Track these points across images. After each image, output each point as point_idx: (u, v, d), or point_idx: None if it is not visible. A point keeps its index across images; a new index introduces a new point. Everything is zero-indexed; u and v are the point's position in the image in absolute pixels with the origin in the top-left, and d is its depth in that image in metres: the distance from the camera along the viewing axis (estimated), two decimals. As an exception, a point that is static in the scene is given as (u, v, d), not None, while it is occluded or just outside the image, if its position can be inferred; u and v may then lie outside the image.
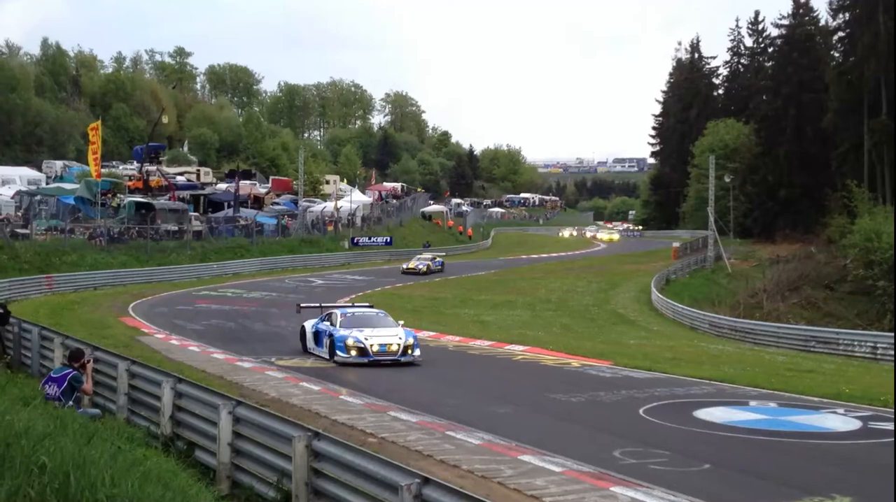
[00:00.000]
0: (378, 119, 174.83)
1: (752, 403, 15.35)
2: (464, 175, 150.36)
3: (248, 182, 75.74)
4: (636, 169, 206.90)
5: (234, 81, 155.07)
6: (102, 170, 56.21)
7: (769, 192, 75.30)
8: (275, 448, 9.26)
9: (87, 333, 21.13)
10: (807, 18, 78.77)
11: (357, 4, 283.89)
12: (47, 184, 63.40)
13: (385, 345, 19.77)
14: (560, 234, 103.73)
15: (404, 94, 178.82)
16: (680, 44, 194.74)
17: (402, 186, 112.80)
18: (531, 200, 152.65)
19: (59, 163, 76.04)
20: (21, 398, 11.92)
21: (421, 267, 53.69)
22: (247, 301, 37.45)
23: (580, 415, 14.38)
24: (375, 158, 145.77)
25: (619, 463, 10.85)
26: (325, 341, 20.22)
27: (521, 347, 23.63)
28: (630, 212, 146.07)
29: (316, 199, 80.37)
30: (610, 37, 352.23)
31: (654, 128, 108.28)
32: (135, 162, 76.46)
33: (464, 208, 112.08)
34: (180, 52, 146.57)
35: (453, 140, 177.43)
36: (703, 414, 14.18)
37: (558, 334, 30.12)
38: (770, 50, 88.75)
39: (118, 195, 57.84)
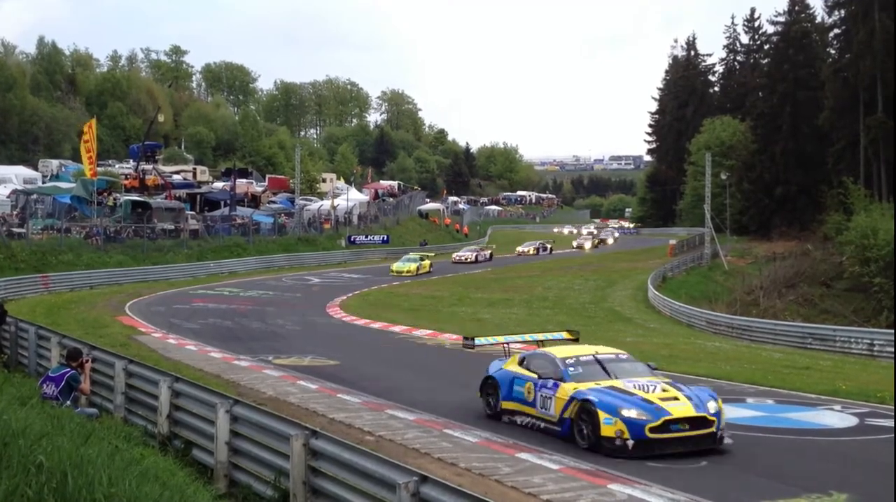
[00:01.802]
0: (374, 117, 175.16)
1: (750, 400, 15.37)
2: (460, 173, 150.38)
3: (244, 180, 75.70)
4: (633, 166, 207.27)
5: (230, 80, 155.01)
6: (98, 170, 56.11)
7: (765, 190, 75.41)
8: (272, 446, 9.26)
9: (84, 332, 21.13)
10: (803, 16, 78.93)
11: (356, 4, 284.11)
12: (43, 183, 63.27)
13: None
14: (556, 231, 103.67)
15: (400, 92, 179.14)
16: (676, 41, 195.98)
17: (399, 184, 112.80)
18: (528, 198, 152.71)
19: (55, 162, 75.96)
20: (18, 397, 11.90)
21: None
22: (244, 300, 37.41)
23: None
24: (372, 156, 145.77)
25: (616, 460, 10.85)
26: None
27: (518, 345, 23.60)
28: (627, 209, 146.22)
29: (312, 198, 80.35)
30: (607, 35, 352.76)
31: (650, 125, 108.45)
32: (131, 161, 76.37)
33: (460, 206, 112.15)
34: (176, 51, 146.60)
35: (450, 138, 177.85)
36: (701, 411, 14.15)
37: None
38: (766, 47, 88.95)
39: (114, 194, 57.72)
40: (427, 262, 54.00)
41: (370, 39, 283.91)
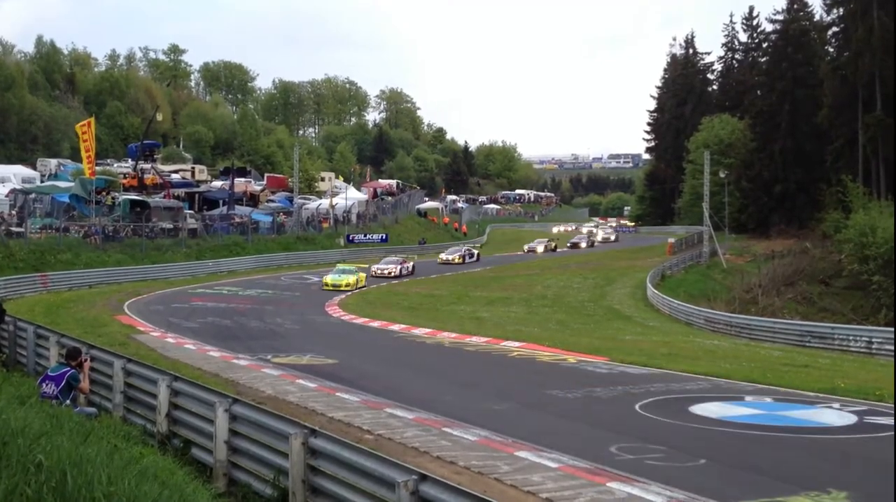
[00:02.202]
0: (373, 116, 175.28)
1: (748, 398, 15.37)
2: (459, 172, 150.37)
3: (243, 179, 75.69)
4: (631, 165, 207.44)
5: (229, 79, 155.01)
6: (97, 169, 56.09)
7: (764, 188, 75.41)
8: (271, 445, 9.26)
9: (83, 331, 21.11)
10: (801, 14, 78.91)
11: (355, 4, 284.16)
12: (42, 182, 63.33)
13: None
14: (559, 230, 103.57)
15: (399, 90, 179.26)
16: (675, 39, 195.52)
17: (398, 183, 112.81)
18: (526, 197, 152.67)
19: (53, 162, 76.10)
20: (17, 397, 11.91)
21: None
22: (242, 299, 37.42)
23: (576, 411, 14.39)
24: (370, 155, 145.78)
25: (615, 458, 10.85)
26: None
27: (517, 343, 23.64)
28: (625, 208, 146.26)
29: (311, 197, 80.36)
30: (606, 34, 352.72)
31: (649, 123, 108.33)
32: (129, 160, 76.38)
33: (459, 205, 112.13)
34: (174, 50, 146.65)
35: (448, 137, 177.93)
36: (699, 409, 14.19)
37: (554, 330, 30.15)
38: (765, 45, 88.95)
39: (113, 193, 57.72)
40: (363, 275, 46.47)
41: (369, 39, 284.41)
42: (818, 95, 68.32)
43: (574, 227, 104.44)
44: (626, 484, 9.29)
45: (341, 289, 43.05)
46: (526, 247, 73.55)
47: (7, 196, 53.92)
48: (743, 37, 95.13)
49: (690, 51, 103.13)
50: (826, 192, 63.37)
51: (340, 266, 48.10)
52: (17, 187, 56.58)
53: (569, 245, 77.88)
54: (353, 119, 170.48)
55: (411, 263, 54.08)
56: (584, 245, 78.75)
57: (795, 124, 73.15)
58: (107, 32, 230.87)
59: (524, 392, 16.33)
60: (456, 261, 59.85)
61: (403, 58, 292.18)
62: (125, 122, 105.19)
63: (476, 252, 63.07)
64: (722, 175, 70.41)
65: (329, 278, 44.76)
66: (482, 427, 12.46)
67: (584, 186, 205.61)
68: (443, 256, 61.46)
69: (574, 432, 12.79)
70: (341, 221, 72.37)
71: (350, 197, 78.09)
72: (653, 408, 14.27)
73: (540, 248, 72.34)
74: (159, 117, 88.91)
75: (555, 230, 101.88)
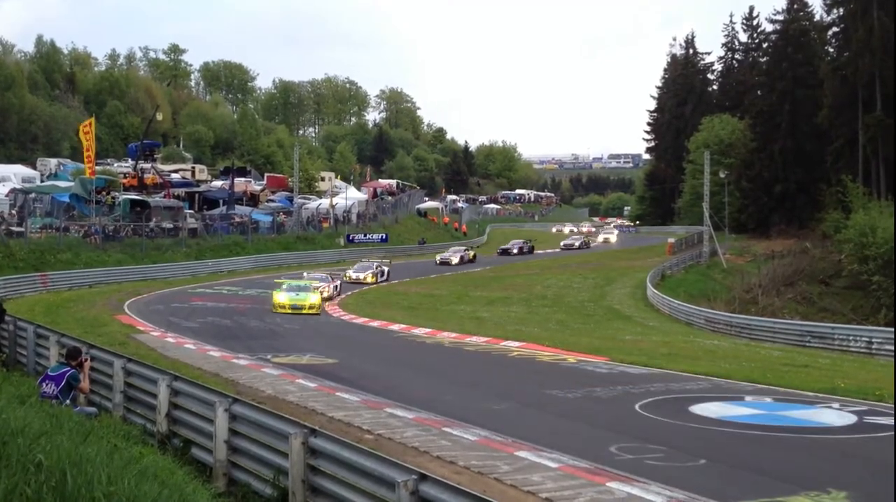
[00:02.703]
0: (373, 116, 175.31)
1: (748, 398, 15.38)
2: (459, 171, 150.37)
3: (243, 179, 75.69)
4: (631, 165, 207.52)
5: (229, 78, 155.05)
6: (97, 168, 56.09)
7: (764, 188, 75.41)
8: (271, 445, 9.26)
9: (83, 331, 21.10)
10: (801, 14, 78.91)
11: (355, 3, 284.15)
12: (42, 181, 63.33)
13: None
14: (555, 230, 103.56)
15: (399, 90, 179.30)
16: (675, 39, 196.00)
17: (398, 183, 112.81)
18: (526, 197, 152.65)
19: (53, 161, 76.10)
20: (17, 396, 11.91)
21: None
22: (242, 298, 37.42)
23: (576, 411, 14.39)
24: (370, 155, 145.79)
25: (615, 458, 10.85)
26: None
27: (517, 343, 23.65)
28: (625, 208, 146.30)
29: (311, 196, 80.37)
30: (605, 34, 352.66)
31: (649, 123, 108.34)
32: (129, 159, 76.38)
33: (459, 205, 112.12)
34: (174, 49, 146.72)
35: (448, 136, 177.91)
36: (699, 409, 14.20)
37: (554, 330, 30.16)
38: (765, 45, 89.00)
39: (113, 193, 57.72)
40: (326, 295, 37.82)
41: (369, 38, 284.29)
42: (818, 95, 68.31)
43: (585, 228, 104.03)
44: (626, 484, 9.29)
45: (303, 312, 32.88)
46: (438, 259, 66.38)
47: (7, 196, 53.91)
48: (743, 37, 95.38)
49: (690, 51, 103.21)
50: (826, 192, 63.37)
51: (291, 282, 36.79)
52: (17, 187, 56.58)
53: (473, 255, 68.73)
54: (353, 119, 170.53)
55: (339, 281, 43.91)
56: (515, 251, 73.51)
57: (795, 124, 73.12)
58: (107, 32, 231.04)
59: (524, 392, 16.33)
60: (368, 279, 49.48)
61: (403, 58, 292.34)
62: (125, 122, 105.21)
63: (386, 269, 52.16)
64: (722, 175, 70.43)
65: (285, 299, 33.64)
66: (482, 427, 12.46)
67: (584, 186, 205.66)
68: (350, 273, 49.73)
69: (574, 432, 12.79)
70: (341, 221, 72.38)
71: (350, 197, 78.10)
72: (653, 408, 14.27)
73: (455, 260, 64.81)
74: (159, 117, 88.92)
75: (554, 230, 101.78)
